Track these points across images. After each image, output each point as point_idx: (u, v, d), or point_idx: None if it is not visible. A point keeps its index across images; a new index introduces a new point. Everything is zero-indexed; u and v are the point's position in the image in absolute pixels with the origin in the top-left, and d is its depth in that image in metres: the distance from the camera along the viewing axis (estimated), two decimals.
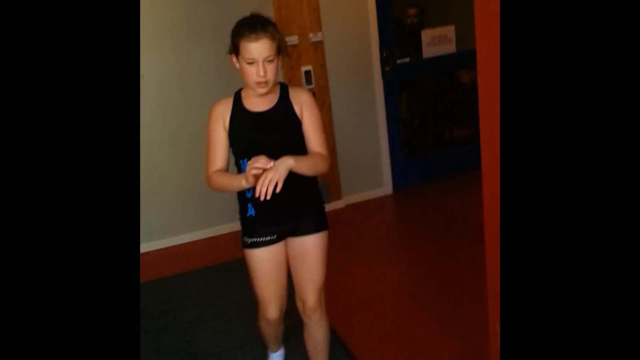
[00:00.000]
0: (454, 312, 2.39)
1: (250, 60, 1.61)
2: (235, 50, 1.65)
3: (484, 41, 1.18)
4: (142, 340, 2.34)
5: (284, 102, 1.74)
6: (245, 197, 1.75)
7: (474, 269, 2.70)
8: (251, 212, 1.75)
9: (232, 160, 1.78)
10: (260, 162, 1.56)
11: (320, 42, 3.58)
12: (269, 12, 3.47)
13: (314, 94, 3.50)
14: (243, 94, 1.76)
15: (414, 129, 4.97)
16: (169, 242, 3.59)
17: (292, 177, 1.59)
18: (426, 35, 3.94)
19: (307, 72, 3.55)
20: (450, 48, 3.94)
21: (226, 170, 1.77)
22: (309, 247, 1.78)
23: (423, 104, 4.83)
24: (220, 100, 1.77)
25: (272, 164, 1.56)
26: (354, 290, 2.69)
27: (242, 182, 1.61)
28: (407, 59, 4.02)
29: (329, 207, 1.68)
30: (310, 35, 3.55)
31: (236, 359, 2.26)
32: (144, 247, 3.41)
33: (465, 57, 4.19)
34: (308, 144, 1.75)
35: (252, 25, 1.61)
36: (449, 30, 3.94)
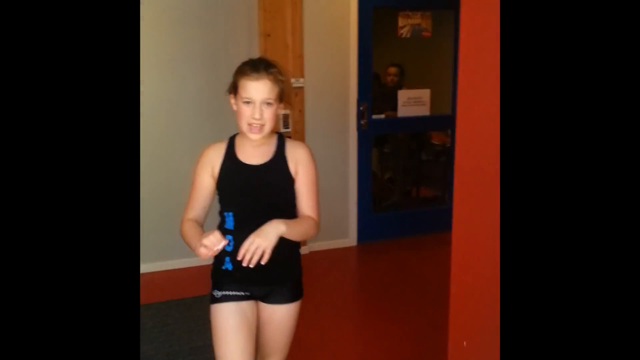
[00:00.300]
0: None
1: (247, 100, 1.51)
2: (234, 88, 1.57)
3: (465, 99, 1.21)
4: None
5: (279, 158, 1.62)
6: (223, 249, 1.53)
7: (429, 336, 2.67)
8: (227, 265, 1.61)
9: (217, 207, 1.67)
10: (211, 239, 1.42)
11: (301, 88, 3.63)
12: (256, 53, 3.52)
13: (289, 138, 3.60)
14: (237, 141, 1.65)
15: (383, 183, 5.05)
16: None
17: (279, 241, 1.47)
18: (402, 95, 4.06)
19: (285, 116, 3.58)
20: (425, 110, 4.07)
21: (203, 218, 1.66)
22: (281, 316, 1.66)
23: (394, 160, 4.93)
24: (212, 144, 1.66)
25: (222, 245, 1.43)
26: (306, 339, 2.62)
27: (196, 250, 1.46)
28: (382, 115, 4.12)
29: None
30: (292, 80, 3.59)
31: None
32: None
33: (438, 121, 4.36)
34: (299, 203, 1.63)
35: (255, 64, 1.54)
36: (425, 94, 4.08)
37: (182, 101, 3.46)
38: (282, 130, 3.56)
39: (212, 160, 1.62)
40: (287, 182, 1.62)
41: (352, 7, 3.72)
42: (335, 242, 3.95)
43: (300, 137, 3.64)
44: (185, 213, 1.65)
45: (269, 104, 1.52)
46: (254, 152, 1.62)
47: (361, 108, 3.87)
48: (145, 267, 3.47)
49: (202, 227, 1.63)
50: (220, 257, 1.62)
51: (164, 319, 2.81)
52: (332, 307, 3.02)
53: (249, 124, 1.53)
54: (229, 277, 1.61)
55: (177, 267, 3.55)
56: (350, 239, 4.02)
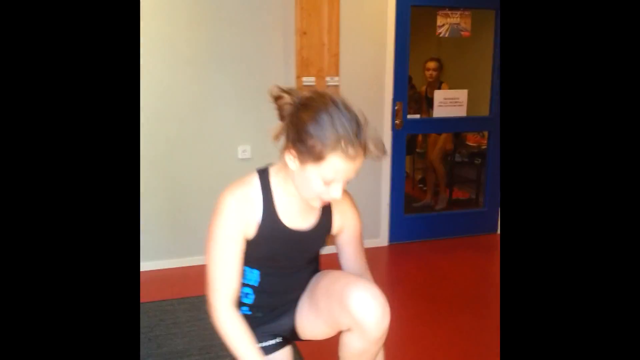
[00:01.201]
0: None
1: (330, 180, 1.21)
2: (310, 154, 1.19)
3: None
4: None
5: (327, 216, 1.42)
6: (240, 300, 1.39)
7: (459, 340, 2.64)
8: (245, 311, 1.45)
9: None
10: None
11: (336, 87, 3.62)
12: (291, 51, 3.52)
13: None
14: (276, 195, 1.34)
15: (415, 185, 5.01)
16: (162, 264, 3.50)
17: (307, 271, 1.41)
18: (439, 95, 4.01)
19: None
20: (462, 111, 4.01)
21: (238, 294, 1.37)
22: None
23: (427, 161, 4.87)
24: (236, 191, 1.32)
25: None
26: (335, 339, 2.61)
27: None
28: (417, 115, 4.08)
29: (324, 249, 1.53)
30: (327, 78, 3.58)
31: None
32: None
33: (475, 122, 4.29)
34: (347, 259, 1.48)
35: (355, 139, 1.17)
36: (462, 94, 4.01)
37: (215, 100, 3.49)
38: None
39: (246, 218, 1.31)
40: (326, 238, 1.46)
41: (390, 5, 3.69)
42: (367, 242, 3.91)
43: None
44: (219, 296, 1.33)
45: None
46: (302, 212, 1.37)
47: (396, 107, 3.83)
48: (178, 262, 3.53)
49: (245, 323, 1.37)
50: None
51: (197, 313, 2.84)
52: None
53: (320, 199, 1.26)
54: (251, 322, 1.43)
55: None
56: (382, 239, 4.00)
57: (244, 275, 1.40)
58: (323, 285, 1.43)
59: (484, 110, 4.23)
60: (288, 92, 1.28)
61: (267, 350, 1.46)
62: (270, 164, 1.42)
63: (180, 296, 3.05)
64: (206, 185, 3.55)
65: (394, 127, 3.86)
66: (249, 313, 1.46)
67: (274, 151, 3.86)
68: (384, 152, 1.23)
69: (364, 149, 1.20)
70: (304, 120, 1.20)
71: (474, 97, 4.10)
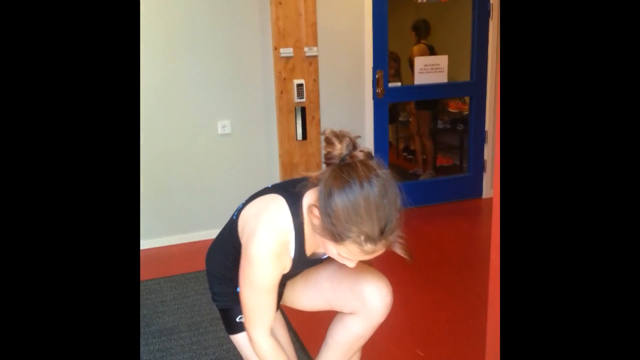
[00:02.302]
0: (431, 348, 2.35)
1: (345, 258, 1.20)
2: (330, 232, 1.14)
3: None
4: None
5: None
6: (237, 280, 1.42)
7: (447, 302, 2.67)
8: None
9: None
10: None
11: (315, 57, 3.56)
12: (267, 21, 3.44)
13: (304, 108, 3.55)
14: (306, 236, 1.31)
15: (399, 154, 5.00)
16: (146, 244, 3.46)
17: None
18: (419, 62, 3.97)
19: (300, 86, 3.52)
20: (442, 77, 3.98)
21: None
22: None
23: (410, 128, 4.86)
24: (274, 244, 1.27)
25: None
26: None
27: None
28: (398, 83, 4.05)
29: None
30: (306, 49, 3.52)
31: None
32: None
33: (457, 88, 4.27)
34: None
35: (375, 232, 1.12)
36: (442, 60, 3.98)
37: (191, 75, 3.41)
38: (297, 100, 3.51)
39: (284, 261, 1.32)
40: None
41: None
42: None
43: (315, 107, 3.59)
44: (259, 328, 1.36)
45: None
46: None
47: (377, 76, 3.79)
48: (161, 241, 3.50)
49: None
50: (230, 282, 1.48)
51: (184, 291, 2.83)
52: None
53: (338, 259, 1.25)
54: None
55: (195, 239, 3.57)
56: None
57: None
58: (329, 268, 1.52)
59: (464, 76, 4.21)
60: (340, 139, 1.18)
61: None
62: (301, 187, 1.30)
63: (165, 275, 3.03)
64: (187, 162, 3.50)
65: (375, 96, 3.82)
66: None
67: (253, 126, 3.81)
68: (410, 258, 1.19)
69: (386, 244, 1.15)
70: (334, 190, 1.12)
71: (455, 62, 4.07)
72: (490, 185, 4.18)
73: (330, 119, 3.69)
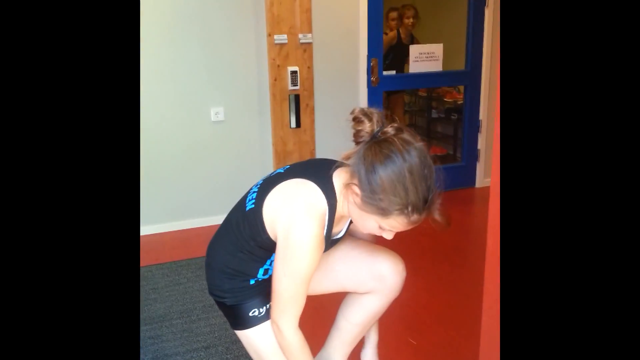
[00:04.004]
0: (422, 336, 2.36)
1: (387, 230, 1.24)
2: (375, 207, 1.17)
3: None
4: None
5: (349, 227, 1.44)
6: (254, 273, 1.41)
7: (440, 290, 2.68)
8: (252, 280, 1.44)
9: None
10: None
11: (309, 44, 3.53)
12: (261, 8, 3.40)
13: (297, 96, 3.52)
14: (337, 215, 1.31)
15: None
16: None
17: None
18: (414, 50, 3.95)
19: (294, 72, 3.49)
20: (437, 66, 3.96)
21: None
22: None
23: (404, 116, 4.84)
24: (319, 221, 1.26)
25: None
26: None
27: None
28: (393, 71, 4.02)
29: None
30: (300, 35, 3.49)
31: None
32: None
33: (452, 77, 4.25)
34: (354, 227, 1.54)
35: (421, 203, 1.15)
36: (437, 48, 3.95)
37: (184, 62, 3.37)
38: (290, 87, 3.48)
39: (323, 248, 1.32)
40: None
41: None
42: None
43: (309, 94, 3.57)
44: (291, 318, 1.32)
45: None
46: (343, 225, 1.41)
47: (371, 64, 3.77)
48: (156, 228, 3.48)
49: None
50: (244, 277, 1.43)
51: (176, 278, 2.82)
52: None
53: (372, 234, 1.33)
54: (258, 288, 1.44)
55: (187, 227, 3.56)
56: None
57: (270, 259, 1.40)
58: (339, 252, 1.51)
59: (459, 64, 4.19)
60: (370, 117, 1.22)
61: None
62: (333, 172, 1.31)
63: (157, 262, 3.01)
64: (180, 149, 3.47)
65: (369, 84, 3.80)
66: (260, 280, 1.44)
67: (246, 113, 3.79)
68: (448, 223, 1.20)
69: (429, 214, 1.19)
70: (377, 166, 1.15)
71: (450, 50, 4.05)
72: (484, 175, 4.18)
73: (324, 106, 3.67)
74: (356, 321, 1.57)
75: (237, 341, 2.21)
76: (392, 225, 1.20)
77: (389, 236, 1.26)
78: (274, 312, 1.34)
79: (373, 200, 1.16)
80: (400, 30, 4.39)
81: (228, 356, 2.15)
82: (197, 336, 2.29)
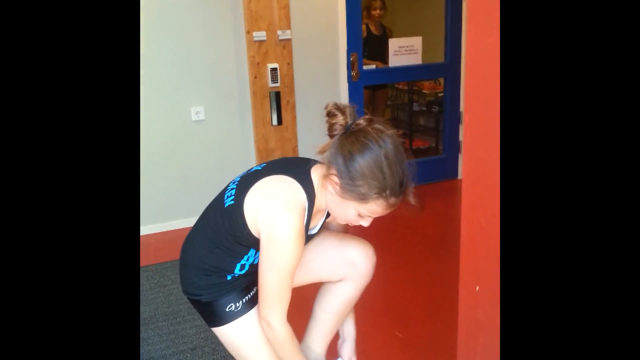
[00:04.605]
0: (409, 329, 2.37)
1: (366, 216, 1.29)
2: (354, 193, 1.23)
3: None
4: None
5: (324, 222, 1.48)
6: (230, 269, 1.41)
7: (425, 281, 2.70)
8: (230, 276, 1.43)
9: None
10: None
11: (289, 40, 3.51)
12: (239, 4, 3.38)
13: (278, 93, 3.51)
14: (315, 210, 1.36)
15: None
16: None
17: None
18: (393, 44, 3.95)
19: (274, 70, 3.48)
20: (417, 59, 3.97)
21: None
22: None
23: (386, 111, 4.86)
24: (299, 215, 1.29)
25: None
26: (307, 287, 2.62)
27: None
28: (373, 66, 4.03)
29: None
30: (279, 32, 3.47)
31: None
32: None
33: (432, 69, 4.27)
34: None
35: (397, 185, 1.23)
36: (416, 41, 3.96)
37: (161, 61, 3.34)
38: (271, 85, 3.47)
39: (304, 242, 1.35)
40: None
41: None
42: None
43: (289, 91, 3.56)
44: (280, 313, 1.35)
45: None
46: (319, 220, 1.44)
47: (351, 59, 3.77)
48: (141, 230, 3.45)
49: None
50: (220, 273, 1.43)
51: (161, 280, 2.80)
52: None
53: (348, 224, 1.36)
54: (235, 283, 1.44)
55: (172, 228, 3.53)
56: None
57: (247, 255, 1.41)
58: (311, 243, 1.54)
59: (439, 57, 4.21)
60: (343, 111, 1.29)
61: (256, 298, 1.48)
62: (311, 167, 1.36)
63: (142, 264, 2.99)
64: (161, 150, 3.44)
65: (350, 79, 3.80)
66: (237, 275, 1.44)
67: (227, 112, 3.76)
68: (422, 207, 1.28)
69: (405, 197, 1.27)
70: (355, 154, 1.22)
71: (429, 43, 4.06)
72: None
73: (305, 102, 3.67)
74: (332, 310, 1.61)
75: None
76: (371, 210, 1.26)
77: (366, 223, 1.32)
78: (262, 309, 1.36)
79: (353, 187, 1.23)
80: (369, 23, 4.39)
81: (214, 357, 2.14)
82: (183, 338, 2.28)
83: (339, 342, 1.75)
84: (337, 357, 1.74)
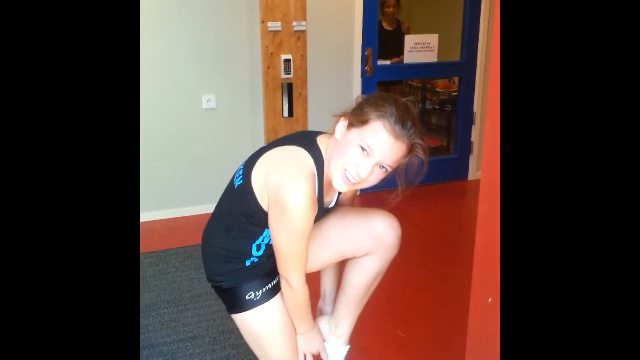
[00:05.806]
0: (411, 329, 2.35)
1: (366, 148, 1.23)
2: (359, 117, 1.24)
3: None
4: None
5: (337, 197, 1.46)
6: (248, 252, 1.43)
7: (431, 284, 2.67)
8: (250, 261, 1.45)
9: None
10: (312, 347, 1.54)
11: (303, 32, 3.48)
12: None
13: (290, 85, 3.48)
14: (325, 179, 1.34)
15: None
16: None
17: None
18: (409, 40, 3.91)
19: (287, 61, 3.45)
20: (432, 57, 3.92)
21: None
22: None
23: None
24: (309, 180, 1.27)
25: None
26: (310, 287, 2.61)
27: (298, 337, 1.52)
28: (387, 62, 3.99)
29: None
30: (294, 23, 3.44)
31: (186, 351, 2.13)
32: None
33: (447, 68, 4.22)
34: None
35: (404, 119, 1.22)
36: (433, 39, 3.91)
37: (176, 50, 3.32)
38: (283, 76, 3.44)
39: (316, 207, 1.32)
40: None
41: None
42: None
43: (302, 83, 3.53)
44: (301, 274, 1.39)
45: (382, 167, 1.26)
46: (332, 190, 1.42)
47: (366, 53, 3.73)
48: (144, 216, 3.44)
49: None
50: (239, 258, 1.44)
51: (164, 267, 2.79)
52: None
53: (345, 170, 1.26)
54: (255, 270, 1.45)
55: (176, 215, 3.53)
56: None
57: (262, 235, 1.41)
58: (331, 221, 1.51)
59: (454, 56, 4.16)
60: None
61: (277, 288, 1.50)
62: (317, 137, 1.38)
63: (145, 250, 2.98)
64: (170, 137, 3.43)
65: (363, 74, 3.76)
66: (256, 261, 1.46)
67: (238, 101, 3.74)
68: (424, 169, 1.32)
69: (409, 142, 1.25)
70: (366, 97, 1.30)
71: (445, 41, 4.01)
72: (477, 167, 4.16)
73: (317, 95, 3.64)
74: (359, 284, 1.59)
75: (224, 332, 2.20)
76: (375, 137, 1.22)
77: (365, 168, 1.24)
78: (280, 268, 1.39)
79: (359, 112, 1.25)
80: (382, 19, 4.34)
81: (215, 347, 2.13)
82: (184, 326, 2.27)
83: (320, 302, 1.75)
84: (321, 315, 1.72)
